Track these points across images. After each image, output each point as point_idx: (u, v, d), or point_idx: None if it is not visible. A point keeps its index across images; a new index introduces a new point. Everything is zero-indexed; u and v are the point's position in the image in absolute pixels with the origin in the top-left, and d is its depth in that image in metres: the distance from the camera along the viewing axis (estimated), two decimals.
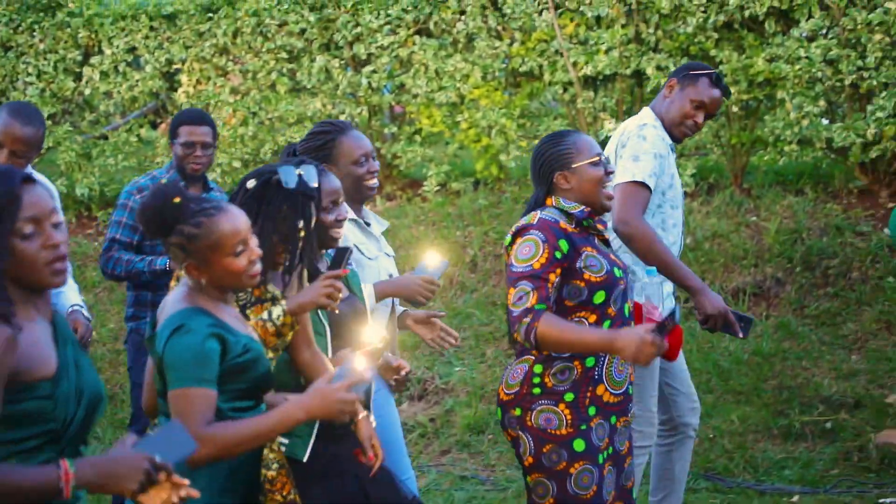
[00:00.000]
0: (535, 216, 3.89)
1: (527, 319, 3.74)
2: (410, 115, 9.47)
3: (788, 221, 8.08)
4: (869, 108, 7.91)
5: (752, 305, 7.65)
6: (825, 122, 8.28)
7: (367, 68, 9.17)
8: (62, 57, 9.64)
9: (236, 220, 3.18)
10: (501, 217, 8.68)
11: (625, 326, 3.87)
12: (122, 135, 9.80)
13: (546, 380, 3.86)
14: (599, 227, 3.99)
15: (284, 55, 9.34)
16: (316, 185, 3.61)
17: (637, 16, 8.54)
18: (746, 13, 8.18)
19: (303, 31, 9.26)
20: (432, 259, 4.35)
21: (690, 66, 5.06)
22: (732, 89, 8.17)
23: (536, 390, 3.86)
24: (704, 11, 8.26)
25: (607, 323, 3.86)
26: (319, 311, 3.84)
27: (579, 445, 3.83)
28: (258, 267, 3.20)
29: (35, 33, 9.63)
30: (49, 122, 9.69)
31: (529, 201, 4.07)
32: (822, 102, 8.04)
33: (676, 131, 4.93)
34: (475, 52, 8.92)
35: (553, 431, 3.83)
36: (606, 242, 4.03)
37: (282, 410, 3.12)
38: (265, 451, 3.47)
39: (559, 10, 8.70)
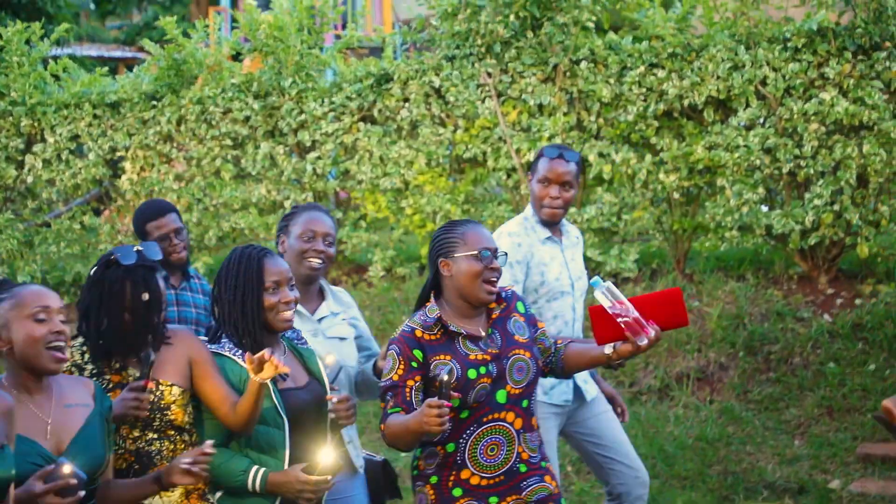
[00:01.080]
0: (400, 329, 4.05)
1: (382, 425, 3.97)
2: (356, 201, 9.50)
3: (730, 307, 8.16)
4: (807, 195, 8.06)
5: (696, 390, 7.69)
6: (765, 209, 8.41)
7: (312, 155, 9.21)
8: (4, 145, 9.60)
9: (46, 291, 3.36)
10: None
11: (496, 413, 3.98)
12: (64, 222, 9.75)
13: (420, 463, 4.08)
14: (467, 328, 4.04)
15: (229, 142, 9.37)
16: (157, 258, 3.81)
17: (578, 104, 8.67)
18: (686, 102, 8.33)
19: (247, 118, 9.30)
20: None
21: (535, 157, 5.17)
22: (673, 176, 8.30)
23: (415, 472, 4.10)
24: (644, 100, 8.40)
25: (465, 412, 3.97)
26: (277, 404, 3.88)
27: None
28: (64, 353, 3.30)
29: None
30: None
31: (423, 287, 4.17)
32: (761, 190, 8.18)
33: (544, 215, 5.06)
34: (419, 138, 9.00)
35: None
36: (476, 338, 4.04)
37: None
38: None
39: (501, 98, 8.81)
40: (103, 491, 3.47)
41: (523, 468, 4.02)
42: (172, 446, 3.77)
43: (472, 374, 3.95)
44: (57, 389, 3.38)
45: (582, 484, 6.93)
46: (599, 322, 3.90)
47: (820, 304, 8.11)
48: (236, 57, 10.07)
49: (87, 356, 3.82)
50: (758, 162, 8.12)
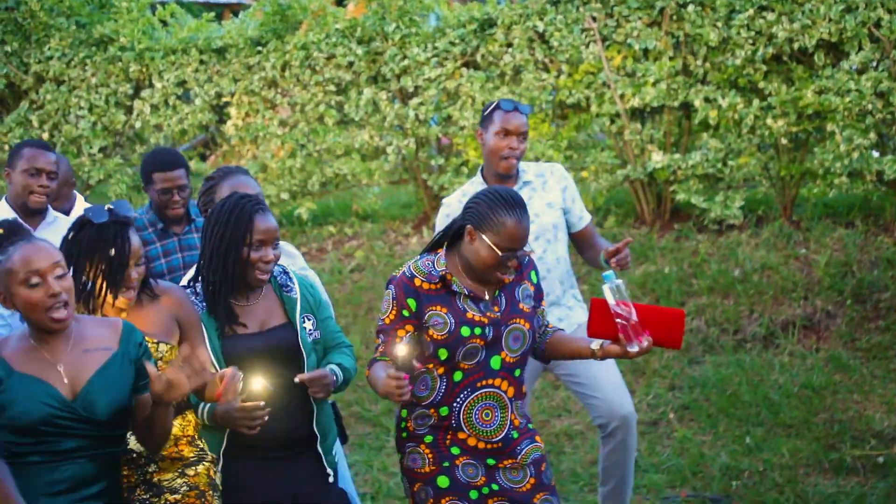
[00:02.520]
0: (402, 270, 4.04)
1: (368, 370, 4.02)
2: (457, 147, 9.49)
3: (839, 254, 8.01)
4: None
5: (802, 338, 7.57)
6: (876, 154, 8.21)
7: (415, 100, 9.21)
8: (113, 91, 9.76)
9: (35, 251, 3.36)
10: None
11: (489, 379, 4.01)
12: None
13: (409, 424, 4.11)
14: (471, 286, 4.03)
15: (332, 88, 9.41)
16: (129, 215, 3.86)
17: (685, 48, 8.54)
18: (795, 46, 8.15)
19: (350, 63, 9.33)
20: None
21: (483, 110, 5.20)
22: (781, 121, 8.14)
23: (404, 434, 4.13)
24: (753, 44, 8.23)
25: (458, 374, 4.00)
26: (211, 354, 3.99)
27: (443, 482, 4.02)
28: (63, 312, 3.33)
29: (87, 67, 9.76)
30: (100, 155, 9.83)
31: (442, 229, 4.16)
32: (872, 135, 7.99)
33: (501, 168, 5.09)
34: (522, 84, 8.94)
35: (419, 470, 4.06)
36: (477, 298, 4.02)
37: None
38: (170, 476, 3.76)
39: (606, 43, 8.71)
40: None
41: (515, 434, 4.10)
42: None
43: (465, 331, 3.96)
44: (77, 334, 3.44)
45: (684, 431, 6.89)
46: (597, 315, 3.93)
47: None
48: (340, 2, 10.12)
49: None
50: (870, 106, 7.92)
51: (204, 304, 4.05)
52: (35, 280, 3.32)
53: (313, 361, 4.12)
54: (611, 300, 3.87)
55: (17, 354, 3.38)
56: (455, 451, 4.04)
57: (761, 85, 8.29)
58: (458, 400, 4.01)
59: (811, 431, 6.68)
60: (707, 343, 7.69)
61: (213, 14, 10.14)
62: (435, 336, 3.97)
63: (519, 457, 4.08)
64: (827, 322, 7.63)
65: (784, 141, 8.37)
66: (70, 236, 3.83)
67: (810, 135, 8.43)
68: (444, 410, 4.02)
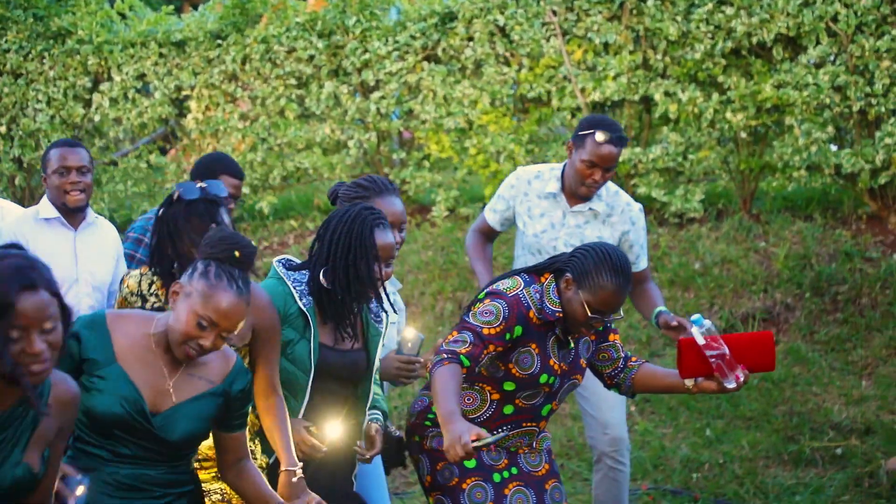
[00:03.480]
0: (515, 290, 3.91)
1: (444, 356, 3.77)
2: (419, 141, 9.49)
3: (798, 247, 8.08)
4: (878, 134, 7.93)
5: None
6: (834, 148, 8.29)
7: (376, 94, 9.20)
8: (72, 84, 9.67)
9: (232, 305, 3.22)
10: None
11: (534, 423, 4.05)
12: (131, 161, 9.83)
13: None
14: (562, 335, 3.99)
15: (293, 81, 9.37)
16: (223, 195, 3.77)
17: (645, 42, 8.58)
18: (754, 40, 8.21)
19: (311, 57, 9.30)
20: (409, 334, 4.23)
21: (581, 126, 5.11)
22: (740, 115, 8.20)
23: (428, 423, 4.12)
24: (712, 38, 8.29)
25: (510, 408, 3.99)
26: (312, 350, 3.87)
27: (470, 462, 3.99)
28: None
29: (45, 60, 9.66)
30: None
31: (548, 260, 4.06)
32: (830, 128, 8.06)
33: (580, 191, 5.09)
34: (483, 78, 8.95)
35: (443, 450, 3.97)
36: (563, 345, 4.01)
37: None
38: (209, 478, 3.66)
39: (567, 37, 8.73)
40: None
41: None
42: None
43: (543, 378, 3.95)
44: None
45: (646, 423, 6.93)
46: (688, 354, 3.87)
47: (889, 244, 8.00)
48: None
49: (152, 287, 3.85)
50: (827, 100, 7.99)
51: (310, 298, 3.89)
52: (205, 325, 3.23)
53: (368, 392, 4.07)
54: (700, 340, 3.83)
55: (127, 341, 3.27)
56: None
57: (720, 79, 8.35)
58: (499, 430, 4.01)
59: (770, 423, 6.75)
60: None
61: (172, 7, 10.06)
62: (513, 371, 3.92)
63: (535, 443, 4.14)
64: (786, 315, 7.71)
65: (743, 135, 8.44)
66: (160, 213, 3.78)
67: (769, 128, 8.50)
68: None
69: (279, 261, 4.04)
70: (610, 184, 5.22)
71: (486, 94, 8.91)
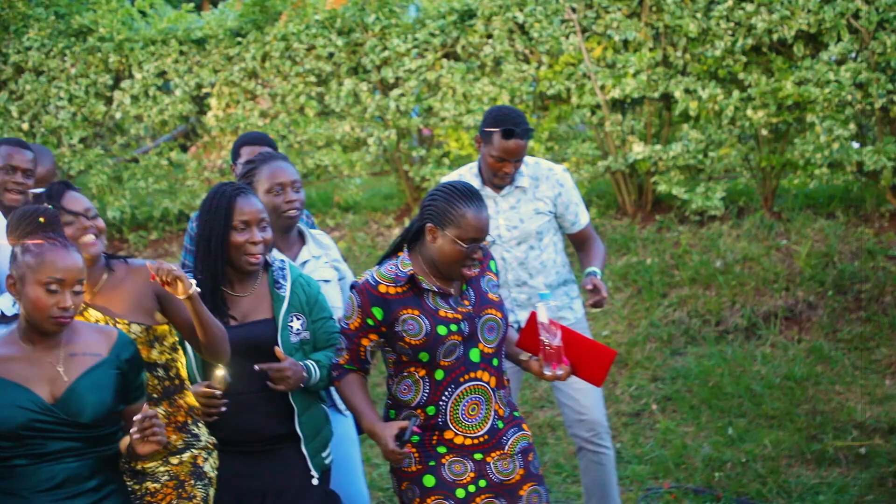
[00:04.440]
0: (365, 276, 4.02)
1: (335, 374, 4.08)
2: (438, 139, 9.50)
3: (820, 245, 8.06)
4: None
5: (784, 329, 7.63)
6: (855, 145, 8.26)
7: (395, 92, 9.21)
8: (93, 81, 9.71)
9: (67, 259, 3.34)
10: None
11: (472, 373, 4.02)
12: (152, 158, 9.87)
13: None
14: (439, 284, 4.01)
15: (313, 79, 9.39)
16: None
17: (664, 39, 8.56)
18: (775, 37, 8.18)
19: (331, 55, 9.31)
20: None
21: (485, 122, 5.14)
22: (761, 112, 8.18)
23: None
24: (732, 35, 8.26)
25: (440, 373, 4.00)
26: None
27: (429, 481, 4.02)
28: (66, 322, 3.32)
29: (66, 58, 9.70)
30: (81, 146, 9.78)
31: (401, 234, 4.13)
32: (851, 126, 8.04)
33: (495, 181, 5.18)
34: (503, 75, 8.95)
35: (405, 469, 4.05)
36: (445, 295, 4.02)
37: None
38: (153, 464, 3.75)
39: (586, 34, 8.72)
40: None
41: (500, 424, 4.10)
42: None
43: (441, 330, 3.96)
44: (67, 339, 3.42)
45: (667, 422, 6.93)
46: (529, 328, 4.05)
47: None
48: None
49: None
50: (849, 97, 7.97)
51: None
52: (54, 287, 3.32)
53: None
54: (542, 318, 3.96)
55: (2, 360, 3.37)
56: (441, 450, 4.03)
57: (741, 76, 8.33)
58: (444, 398, 4.00)
59: (793, 422, 6.74)
60: (689, 334, 7.73)
61: (192, 5, 10.09)
62: (411, 342, 3.95)
63: (506, 447, 4.08)
64: (808, 313, 7.69)
65: (764, 132, 8.42)
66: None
67: (790, 126, 8.47)
68: (430, 410, 4.01)
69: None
70: (528, 157, 5.28)
71: (506, 91, 8.91)
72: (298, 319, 4.12)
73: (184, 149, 10.28)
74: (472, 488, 4.01)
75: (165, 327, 3.88)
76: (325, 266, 4.60)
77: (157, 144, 10.13)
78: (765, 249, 8.15)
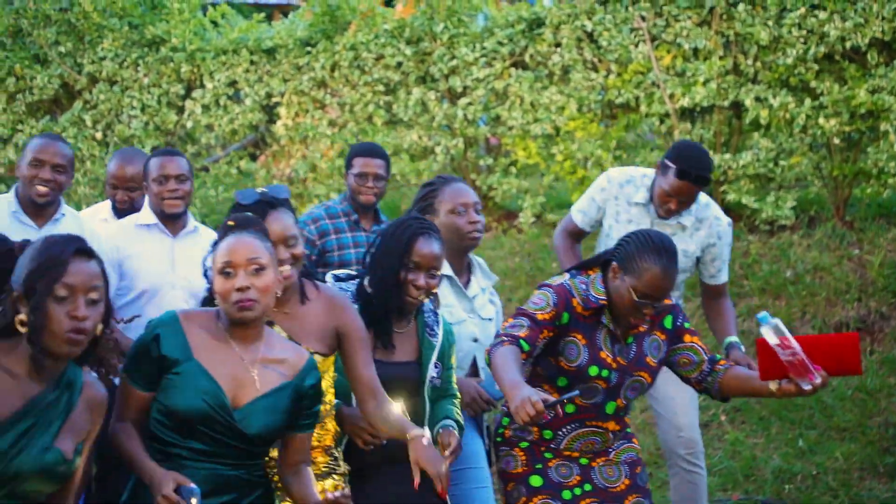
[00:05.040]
0: (561, 281, 3.98)
1: (503, 338, 3.84)
2: (506, 147, 9.50)
3: (893, 255, 7.94)
4: None
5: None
6: None
7: (463, 100, 9.22)
8: (165, 91, 9.84)
9: (242, 246, 3.32)
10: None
11: (600, 422, 4.02)
12: (222, 167, 9.98)
13: (507, 432, 4.14)
14: (614, 325, 3.99)
15: (381, 88, 9.44)
16: (284, 196, 3.77)
17: (735, 47, 8.49)
18: (848, 44, 8.08)
19: (399, 64, 9.36)
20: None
21: (669, 151, 5.10)
22: (834, 121, 8.07)
23: (499, 439, 4.18)
24: (804, 43, 8.17)
25: (571, 407, 3.98)
26: None
27: (536, 481, 4.04)
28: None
29: (140, 68, 9.85)
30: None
31: (595, 254, 4.17)
32: None
33: (659, 212, 5.15)
34: (571, 84, 8.93)
35: (512, 471, 4.09)
36: (617, 339, 3.99)
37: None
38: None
39: (655, 42, 8.67)
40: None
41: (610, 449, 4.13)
42: None
43: (593, 370, 3.95)
44: (265, 344, 3.39)
45: (736, 433, 6.86)
46: (765, 356, 3.78)
47: None
48: (389, 2, 10.13)
49: None
50: None
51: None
52: (228, 270, 3.31)
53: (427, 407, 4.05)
54: (772, 340, 3.74)
55: (202, 337, 3.33)
56: (548, 455, 4.07)
57: (813, 84, 8.23)
58: (564, 430, 4.03)
59: (865, 435, 6.63)
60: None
61: (263, 15, 10.20)
62: (562, 364, 3.95)
63: (612, 454, 4.10)
64: (881, 324, 7.57)
65: (836, 140, 8.31)
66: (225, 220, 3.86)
67: (863, 134, 8.35)
68: (547, 434, 4.04)
69: (333, 275, 4.13)
70: (702, 195, 5.19)
71: (574, 99, 8.89)
72: (437, 367, 4.09)
73: (253, 157, 10.39)
74: (577, 491, 4.04)
75: (332, 360, 3.83)
76: (488, 302, 4.59)
77: (227, 153, 10.24)
78: (836, 259, 8.04)
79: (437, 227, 4.13)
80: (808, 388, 3.77)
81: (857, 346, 3.85)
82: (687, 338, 4.09)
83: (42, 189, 4.95)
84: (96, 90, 9.90)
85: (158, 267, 5.07)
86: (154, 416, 3.32)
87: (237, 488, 3.36)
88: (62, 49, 9.90)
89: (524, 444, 4.07)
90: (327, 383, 3.83)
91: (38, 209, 5.00)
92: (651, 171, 5.24)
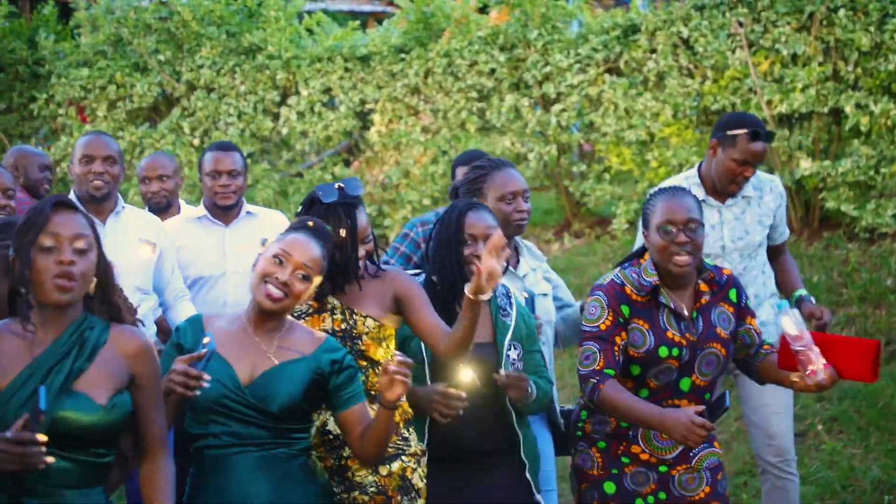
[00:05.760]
0: (609, 277, 3.99)
1: (593, 380, 3.86)
2: (599, 154, 9.45)
3: None
4: None
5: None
6: None
7: (557, 107, 9.20)
8: (261, 98, 9.98)
9: (301, 245, 3.46)
10: None
11: (675, 399, 3.94)
12: (316, 173, 10.07)
13: (586, 426, 4.08)
14: (676, 301, 3.95)
15: (474, 94, 9.46)
16: (358, 193, 3.87)
17: (835, 53, 8.35)
18: None
19: (493, 70, 9.37)
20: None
21: (726, 125, 5.03)
22: None
23: (578, 433, 4.11)
24: None
25: (645, 392, 3.93)
26: (424, 346, 3.95)
27: (609, 488, 4.00)
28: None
29: (236, 75, 10.00)
30: (248, 161, 10.03)
31: (639, 248, 4.12)
32: None
33: (730, 188, 5.04)
34: (666, 90, 8.86)
35: (588, 471, 4.04)
36: (681, 317, 3.95)
37: None
38: (362, 473, 3.71)
39: (753, 48, 8.57)
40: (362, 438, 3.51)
41: (691, 452, 4.02)
42: (364, 377, 3.78)
43: (663, 351, 3.90)
44: (283, 333, 3.49)
45: (833, 443, 6.72)
46: (784, 347, 3.83)
47: None
48: (483, 9, 10.15)
49: None
50: None
51: None
52: (281, 258, 3.44)
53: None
54: (787, 328, 3.76)
55: (223, 334, 3.47)
56: (625, 460, 4.01)
57: None
58: None
59: None
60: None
61: (357, 22, 10.31)
62: (631, 353, 3.92)
63: (693, 461, 4.02)
64: None
65: None
66: (299, 213, 3.94)
67: None
68: (624, 422, 3.98)
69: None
70: None
71: (669, 106, 8.81)
72: (516, 349, 4.08)
73: (347, 164, 10.47)
74: (650, 499, 3.97)
75: (394, 330, 3.90)
76: (541, 279, 4.59)
77: (321, 159, 10.34)
78: None
79: (482, 203, 4.19)
80: (809, 382, 3.76)
81: (872, 352, 3.79)
82: (748, 319, 4.09)
83: (97, 182, 5.06)
84: (194, 97, 10.07)
85: (210, 257, 5.23)
86: (187, 414, 3.43)
87: (271, 470, 3.39)
88: (161, 57, 10.09)
89: (602, 445, 4.02)
90: (380, 352, 3.85)
91: (97, 204, 5.08)
92: (692, 171, 5.17)
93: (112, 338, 3.03)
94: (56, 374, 2.92)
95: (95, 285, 3.03)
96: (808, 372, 3.75)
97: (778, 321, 3.88)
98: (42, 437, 2.71)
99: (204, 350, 3.18)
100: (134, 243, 5.02)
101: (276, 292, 3.41)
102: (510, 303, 4.12)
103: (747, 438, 6.80)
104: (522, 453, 4.04)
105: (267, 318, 3.47)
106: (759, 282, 5.18)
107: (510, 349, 4.05)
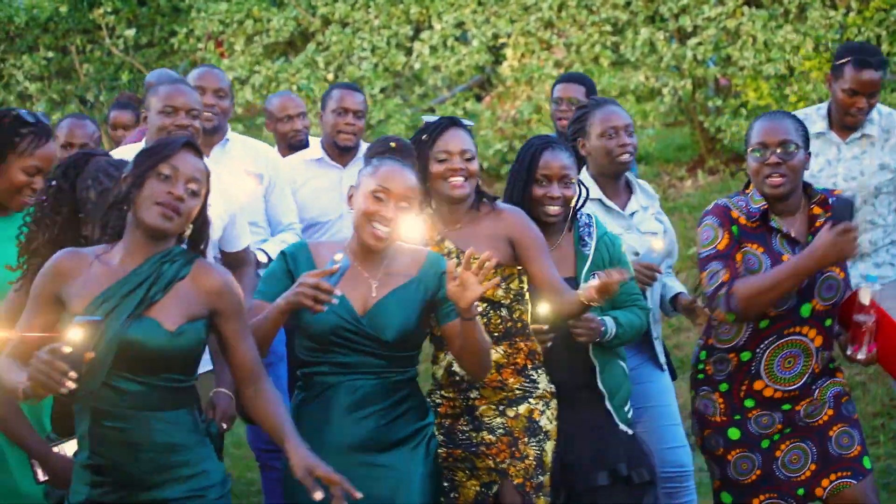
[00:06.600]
0: (717, 203, 3.93)
1: (722, 292, 3.78)
2: (736, 88, 9.24)
3: None
4: None
5: None
6: None
7: (693, 40, 9.02)
8: (395, 32, 10.01)
9: (397, 175, 3.44)
10: None
11: (796, 327, 3.85)
12: (448, 108, 10.07)
13: (707, 367, 3.98)
14: (781, 226, 3.85)
15: (608, 28, 9.33)
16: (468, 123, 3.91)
17: None
18: None
19: (628, 3, 9.22)
20: (658, 245, 4.21)
21: (836, 55, 4.95)
22: None
23: (700, 376, 4.01)
24: None
25: (765, 322, 3.84)
26: None
27: (734, 434, 3.92)
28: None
29: (371, 10, 10.04)
30: (381, 96, 10.12)
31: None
32: None
33: (846, 121, 4.94)
34: (807, 22, 8.61)
35: (710, 417, 3.97)
36: (794, 241, 3.84)
37: None
38: (492, 413, 3.72)
39: None
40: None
41: (812, 379, 3.92)
42: (485, 320, 3.77)
43: None
44: (388, 260, 3.50)
45: None
46: (847, 304, 3.85)
47: None
48: None
49: None
50: None
51: None
52: (380, 195, 3.42)
53: None
54: (863, 299, 3.76)
55: (328, 260, 3.46)
56: (749, 403, 3.92)
57: None
58: (762, 345, 3.87)
59: None
60: None
61: None
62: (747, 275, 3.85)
63: (815, 394, 3.93)
64: None
65: None
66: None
67: None
68: (745, 355, 3.90)
69: None
70: (881, 106, 5.02)
71: (810, 38, 8.57)
72: (595, 279, 4.03)
73: (479, 99, 10.46)
74: (776, 437, 3.91)
75: (514, 271, 3.86)
76: (651, 218, 4.54)
77: (452, 94, 10.35)
78: None
79: (560, 140, 4.16)
80: (849, 353, 3.80)
81: None
82: (837, 270, 3.94)
83: (207, 114, 5.05)
84: (329, 32, 10.15)
85: (327, 199, 5.24)
86: (298, 341, 3.48)
87: (382, 400, 3.44)
88: None
89: (724, 387, 3.93)
90: (511, 298, 3.83)
91: (206, 136, 5.03)
92: (824, 104, 5.05)
93: (193, 273, 3.10)
94: (128, 301, 3.01)
95: (190, 233, 3.13)
96: (853, 347, 3.79)
97: (860, 286, 3.79)
98: (66, 351, 2.72)
99: (336, 265, 3.20)
100: (239, 175, 5.02)
101: (383, 232, 3.42)
102: (590, 232, 4.08)
103: (885, 380, 6.65)
104: (600, 383, 4.01)
105: (372, 252, 3.49)
106: (877, 228, 5.02)
107: (591, 279, 3.97)
